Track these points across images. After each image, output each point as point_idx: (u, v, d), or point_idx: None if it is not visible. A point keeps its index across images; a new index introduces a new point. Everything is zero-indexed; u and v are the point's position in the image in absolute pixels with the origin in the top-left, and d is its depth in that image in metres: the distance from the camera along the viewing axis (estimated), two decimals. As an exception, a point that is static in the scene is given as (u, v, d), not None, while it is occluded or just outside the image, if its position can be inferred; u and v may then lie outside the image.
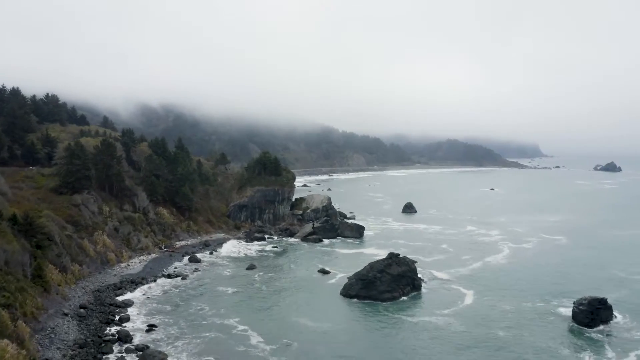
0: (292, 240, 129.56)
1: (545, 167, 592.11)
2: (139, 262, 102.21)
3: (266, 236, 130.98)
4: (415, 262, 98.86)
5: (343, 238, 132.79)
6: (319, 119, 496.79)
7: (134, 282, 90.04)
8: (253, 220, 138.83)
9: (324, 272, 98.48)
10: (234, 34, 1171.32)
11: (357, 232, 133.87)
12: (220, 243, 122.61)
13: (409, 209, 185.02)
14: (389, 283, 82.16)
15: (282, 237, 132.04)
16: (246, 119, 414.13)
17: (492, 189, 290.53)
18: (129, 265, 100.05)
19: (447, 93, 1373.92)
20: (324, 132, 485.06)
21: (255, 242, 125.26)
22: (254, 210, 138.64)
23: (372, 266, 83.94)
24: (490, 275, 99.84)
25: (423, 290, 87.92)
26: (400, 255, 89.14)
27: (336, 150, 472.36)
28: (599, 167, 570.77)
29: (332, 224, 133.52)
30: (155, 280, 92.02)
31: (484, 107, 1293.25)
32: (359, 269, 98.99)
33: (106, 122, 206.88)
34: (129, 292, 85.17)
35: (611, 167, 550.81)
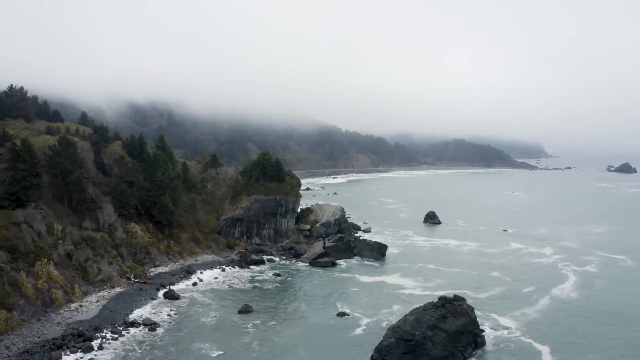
0: (298, 264, 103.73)
1: (556, 168, 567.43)
2: (97, 302, 76.52)
3: (266, 258, 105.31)
4: (464, 299, 73.74)
5: (360, 258, 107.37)
6: (320, 117, 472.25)
7: (82, 336, 64.40)
8: (250, 237, 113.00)
9: (343, 315, 72.68)
10: (230, 31, 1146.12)
11: (378, 252, 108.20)
12: (207, 268, 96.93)
13: (431, 218, 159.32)
14: (445, 344, 56.52)
15: (285, 259, 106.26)
16: (245, 117, 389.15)
17: (512, 193, 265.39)
18: (81, 306, 74.37)
19: (450, 91, 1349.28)
20: (327, 131, 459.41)
21: (252, 267, 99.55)
22: (250, 224, 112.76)
23: (419, 319, 58.08)
24: (567, 318, 74.29)
25: (488, 348, 62.34)
26: (456, 300, 63.31)
27: (340, 151, 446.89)
28: (612, 169, 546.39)
29: (347, 243, 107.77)
30: (112, 331, 66.43)
31: (488, 107, 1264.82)
32: (389, 311, 74.18)
33: (85, 119, 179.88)
34: (71, 355, 59.72)
35: (626, 169, 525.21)
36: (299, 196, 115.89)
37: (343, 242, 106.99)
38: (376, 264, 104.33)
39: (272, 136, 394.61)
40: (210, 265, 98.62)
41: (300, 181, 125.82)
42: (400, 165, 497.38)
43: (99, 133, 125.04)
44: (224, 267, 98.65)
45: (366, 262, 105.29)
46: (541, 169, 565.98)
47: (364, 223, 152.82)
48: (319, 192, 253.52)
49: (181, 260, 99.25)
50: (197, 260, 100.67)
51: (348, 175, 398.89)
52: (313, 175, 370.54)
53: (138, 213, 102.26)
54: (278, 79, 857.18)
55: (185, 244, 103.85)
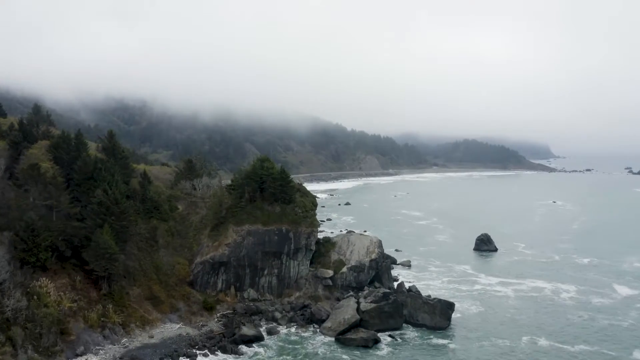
0: (317, 337, 64.32)
1: (575, 171, 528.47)
2: None
3: (266, 326, 66.17)
4: None
5: (414, 327, 68.05)
6: (323, 115, 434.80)
7: None
8: (240, 288, 73.34)
9: None
10: (226, 26, 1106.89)
11: (442, 315, 68.69)
12: (167, 356, 57.61)
13: (485, 244, 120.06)
14: None
15: (296, 328, 66.77)
16: (242, 115, 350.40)
17: (554, 202, 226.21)
18: None
19: (451, 88, 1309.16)
20: (332, 131, 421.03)
21: (244, 348, 60.25)
22: (241, 270, 73.08)
23: None
24: None
25: None
26: None
27: (346, 152, 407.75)
28: (635, 171, 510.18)
29: (394, 302, 68.13)
30: None
31: (490, 107, 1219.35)
32: None
33: (38, 113, 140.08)
34: None
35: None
36: (315, 225, 75.60)
37: (389, 302, 67.44)
38: (449, 342, 64.25)
39: (272, 136, 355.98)
40: (172, 348, 59.13)
41: (315, 200, 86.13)
42: (409, 167, 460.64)
43: (24, 128, 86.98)
44: (195, 350, 59.22)
45: (428, 337, 65.46)
46: (559, 171, 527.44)
47: (397, 250, 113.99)
48: (328, 201, 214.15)
49: (125, 339, 59.81)
50: (152, 337, 61.22)
51: (356, 178, 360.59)
52: (318, 180, 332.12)
53: (59, 258, 63.28)
54: (278, 76, 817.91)
55: (136, 308, 64.39)
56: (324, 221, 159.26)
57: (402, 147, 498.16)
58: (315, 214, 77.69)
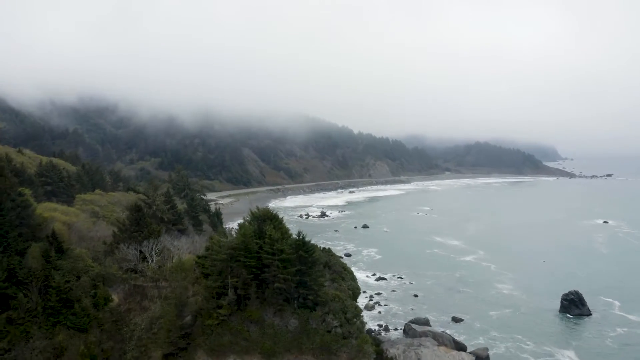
0: None
1: (595, 176, 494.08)
2: None
3: None
4: None
5: None
6: (325, 117, 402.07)
7: None
8: None
9: None
10: (225, 25, 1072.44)
11: None
12: None
13: (577, 307, 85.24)
14: None
15: None
16: (240, 117, 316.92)
17: (605, 222, 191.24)
18: None
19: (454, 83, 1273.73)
20: (336, 134, 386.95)
21: None
22: None
23: None
24: None
25: None
26: None
27: (354, 157, 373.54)
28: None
29: None
30: None
31: (492, 107, 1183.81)
32: None
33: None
34: None
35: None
36: (367, 355, 40.14)
37: None
38: None
39: (272, 140, 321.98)
40: None
41: (359, 289, 50.69)
42: (421, 173, 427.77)
43: None
44: None
45: None
46: (579, 176, 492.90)
47: (455, 321, 79.50)
48: (341, 222, 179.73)
49: None
50: None
51: (366, 187, 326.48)
52: (324, 189, 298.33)
53: None
54: (277, 76, 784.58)
55: None
56: (341, 257, 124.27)
57: (412, 151, 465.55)
58: (363, 326, 42.41)
